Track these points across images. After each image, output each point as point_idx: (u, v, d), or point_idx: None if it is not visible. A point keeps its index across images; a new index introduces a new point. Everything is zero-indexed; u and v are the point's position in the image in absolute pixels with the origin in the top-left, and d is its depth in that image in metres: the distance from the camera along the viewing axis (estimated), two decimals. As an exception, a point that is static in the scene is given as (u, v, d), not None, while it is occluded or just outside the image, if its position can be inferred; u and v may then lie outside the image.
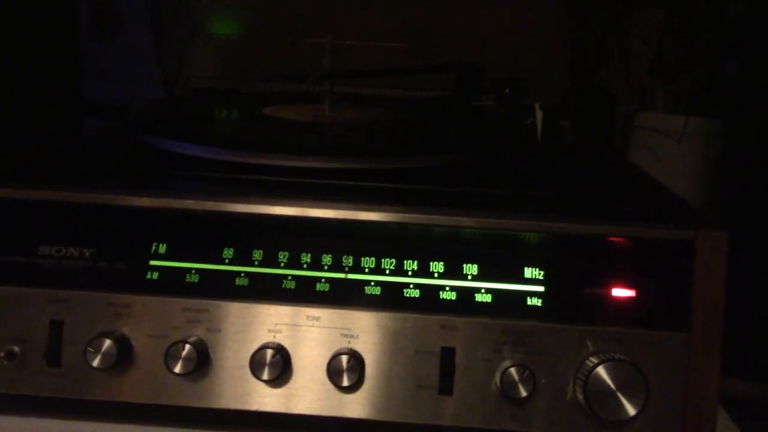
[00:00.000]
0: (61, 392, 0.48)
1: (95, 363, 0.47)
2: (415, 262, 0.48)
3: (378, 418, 0.47)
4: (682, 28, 0.80)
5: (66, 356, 0.48)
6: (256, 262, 0.48)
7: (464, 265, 0.48)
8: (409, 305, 0.48)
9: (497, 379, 0.46)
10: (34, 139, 0.79)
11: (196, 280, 0.48)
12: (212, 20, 0.94)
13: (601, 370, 0.45)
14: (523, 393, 0.46)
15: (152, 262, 0.49)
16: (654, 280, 0.47)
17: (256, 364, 0.47)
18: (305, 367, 0.47)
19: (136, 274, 0.48)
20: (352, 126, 0.71)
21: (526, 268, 0.48)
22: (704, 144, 0.78)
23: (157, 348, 0.47)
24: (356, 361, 0.47)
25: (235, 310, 0.48)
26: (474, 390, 0.47)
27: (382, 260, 0.48)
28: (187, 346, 0.47)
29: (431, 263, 0.48)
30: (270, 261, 0.48)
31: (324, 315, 0.48)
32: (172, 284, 0.48)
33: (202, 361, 0.47)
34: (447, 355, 0.47)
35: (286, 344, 0.47)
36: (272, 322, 0.48)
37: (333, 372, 0.47)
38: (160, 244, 0.49)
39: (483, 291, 0.48)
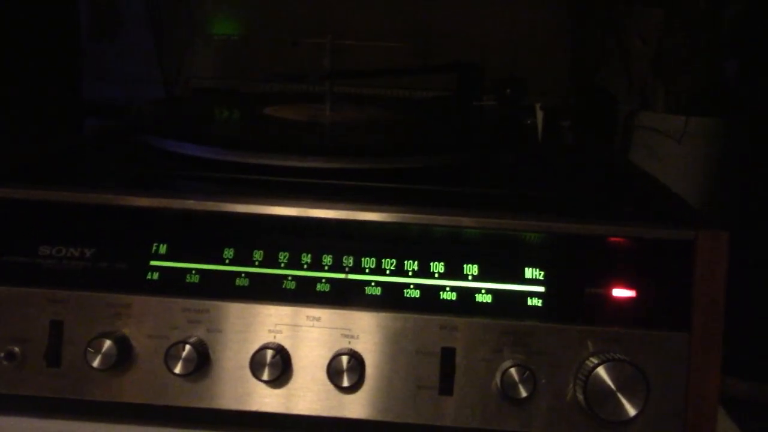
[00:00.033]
0: (61, 392, 0.48)
1: (95, 363, 0.47)
2: (416, 263, 0.48)
3: (378, 418, 0.47)
4: (682, 28, 0.80)
5: (66, 356, 0.48)
6: (257, 263, 0.48)
7: (464, 266, 0.48)
8: (410, 305, 0.48)
9: (497, 379, 0.46)
10: (34, 139, 0.79)
11: (196, 281, 0.48)
12: (212, 20, 0.94)
13: (601, 371, 0.45)
14: (524, 393, 0.46)
15: (152, 263, 0.49)
16: (654, 280, 0.47)
17: (256, 365, 0.47)
18: (305, 367, 0.47)
19: (137, 274, 0.48)
20: (352, 126, 0.71)
21: (526, 269, 0.48)
22: (704, 144, 0.78)
23: (158, 348, 0.47)
24: (356, 361, 0.47)
25: (235, 311, 0.48)
26: (474, 390, 0.47)
27: (383, 260, 0.48)
28: (188, 347, 0.47)
29: (431, 263, 0.48)
30: (270, 261, 0.48)
31: (324, 315, 0.48)
32: (173, 284, 0.48)
33: (203, 362, 0.47)
34: (447, 356, 0.47)
35: (287, 345, 0.47)
36: (272, 323, 0.48)
37: (333, 372, 0.47)
38: (161, 245, 0.49)
39: (483, 291, 0.48)
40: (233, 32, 0.93)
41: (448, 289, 0.48)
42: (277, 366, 0.47)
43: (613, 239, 0.48)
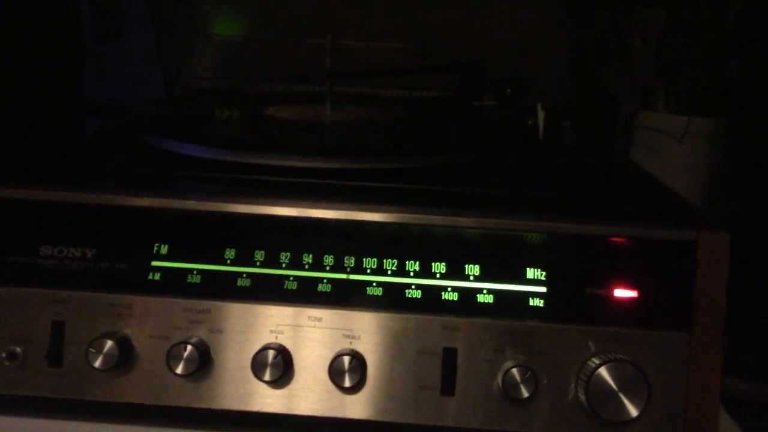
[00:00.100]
0: (62, 393, 0.48)
1: (97, 364, 0.47)
2: (417, 263, 0.48)
3: (380, 418, 0.47)
4: (682, 27, 0.80)
5: (67, 357, 0.48)
6: (258, 263, 0.48)
7: (466, 266, 0.48)
8: (411, 306, 0.48)
9: (499, 379, 0.46)
10: (35, 139, 0.79)
11: (197, 281, 0.48)
12: (213, 21, 0.94)
13: (603, 371, 0.45)
14: (525, 394, 0.46)
15: (154, 263, 0.49)
16: (656, 281, 0.47)
17: (257, 365, 0.47)
18: (307, 367, 0.47)
19: (138, 274, 0.48)
20: (353, 126, 0.71)
21: (528, 269, 0.48)
22: (706, 144, 0.78)
23: (159, 349, 0.47)
24: (358, 361, 0.47)
25: (236, 311, 0.48)
26: (476, 391, 0.47)
27: (384, 261, 0.48)
28: (189, 347, 0.47)
29: (433, 264, 0.48)
30: (272, 261, 0.48)
31: (326, 316, 0.48)
32: (174, 285, 0.48)
33: (204, 362, 0.47)
34: (449, 356, 0.47)
35: (288, 345, 0.47)
36: (274, 323, 0.48)
37: (335, 373, 0.47)
38: (162, 245, 0.49)
39: (485, 291, 0.48)
40: (234, 32, 0.93)
41: (449, 289, 0.48)
42: (279, 366, 0.47)
43: (614, 239, 0.48)
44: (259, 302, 0.48)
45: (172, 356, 0.47)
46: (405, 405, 0.47)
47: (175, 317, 0.48)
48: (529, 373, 0.46)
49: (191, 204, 0.49)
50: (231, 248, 0.49)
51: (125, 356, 0.47)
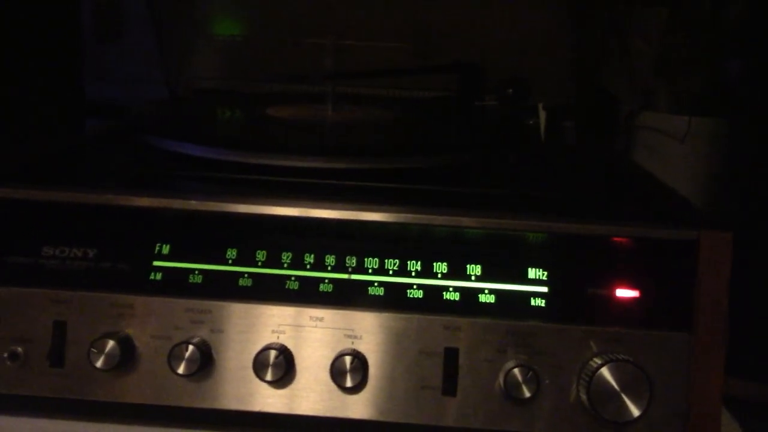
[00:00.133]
0: (64, 393, 0.48)
1: (98, 364, 0.47)
2: (419, 263, 0.48)
3: (381, 418, 0.47)
4: (684, 27, 0.80)
5: (69, 357, 0.48)
6: (260, 263, 0.48)
7: (467, 266, 0.48)
8: (413, 306, 0.48)
9: (501, 379, 0.46)
10: (35, 139, 0.79)
11: (199, 281, 0.48)
12: (214, 21, 0.94)
13: (604, 371, 0.45)
14: (527, 394, 0.46)
15: (155, 263, 0.49)
16: (657, 281, 0.47)
17: (259, 365, 0.47)
18: (308, 367, 0.47)
19: (140, 274, 0.48)
20: (354, 126, 0.71)
21: (529, 269, 0.48)
22: (707, 144, 0.78)
23: (161, 349, 0.47)
24: (359, 361, 0.47)
25: (238, 311, 0.48)
26: (477, 391, 0.47)
27: (386, 261, 0.48)
28: (191, 347, 0.47)
29: (434, 264, 0.48)
30: (273, 261, 0.48)
31: (327, 316, 0.48)
32: (176, 285, 0.48)
33: (206, 362, 0.47)
34: (450, 356, 0.47)
35: (290, 345, 0.47)
36: (275, 323, 0.48)
37: (336, 373, 0.47)
38: (164, 245, 0.49)
39: (486, 291, 0.48)
40: (235, 32, 0.93)
41: (451, 289, 0.48)
42: (280, 366, 0.47)
43: (615, 239, 0.48)
44: (261, 302, 0.48)
45: (173, 356, 0.47)
46: (406, 405, 0.47)
47: (176, 317, 0.48)
48: (530, 373, 0.46)
49: (192, 204, 0.49)
50: (232, 248, 0.49)
51: (127, 356, 0.47)
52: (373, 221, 0.48)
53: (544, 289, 0.48)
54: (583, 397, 0.46)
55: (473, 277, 0.48)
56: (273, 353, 0.47)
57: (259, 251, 0.48)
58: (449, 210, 0.48)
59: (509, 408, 0.47)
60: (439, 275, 0.48)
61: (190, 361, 0.47)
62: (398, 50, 0.84)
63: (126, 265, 0.49)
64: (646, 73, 0.83)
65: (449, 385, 0.47)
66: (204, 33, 0.94)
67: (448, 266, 0.48)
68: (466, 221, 0.48)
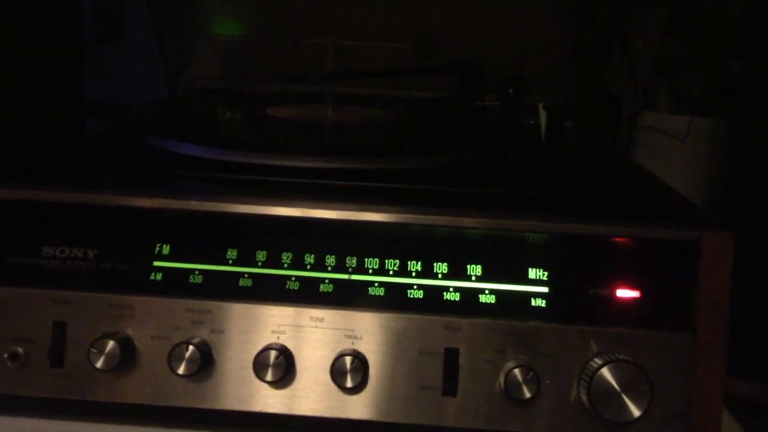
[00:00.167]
0: (64, 393, 0.48)
1: (98, 364, 0.47)
2: (419, 263, 0.48)
3: (381, 419, 0.47)
4: (685, 27, 0.80)
5: (69, 357, 0.48)
6: (260, 263, 0.48)
7: (468, 266, 0.48)
8: (413, 306, 0.48)
9: (501, 380, 0.46)
10: (35, 139, 0.79)
11: (199, 281, 0.48)
12: (214, 21, 0.94)
13: (605, 371, 0.45)
14: (527, 394, 0.46)
15: (156, 263, 0.49)
16: (658, 281, 0.47)
17: (259, 365, 0.47)
18: (309, 368, 0.47)
19: (140, 275, 0.48)
20: (354, 126, 0.71)
21: (529, 269, 0.48)
22: (708, 144, 0.78)
23: (161, 349, 0.47)
24: (360, 362, 0.47)
25: (238, 311, 0.48)
26: (478, 391, 0.47)
27: (386, 261, 0.48)
28: (191, 347, 0.47)
29: (435, 264, 0.48)
30: (273, 262, 0.48)
31: (327, 316, 0.48)
32: (176, 285, 0.48)
33: (206, 363, 0.47)
34: (451, 356, 0.47)
35: (290, 345, 0.47)
36: (276, 323, 0.48)
37: (336, 373, 0.47)
38: (164, 245, 0.49)
39: (487, 292, 0.48)
40: (235, 33, 0.93)
41: (451, 289, 0.48)
42: (281, 367, 0.47)
43: (616, 239, 0.48)
44: (261, 302, 0.48)
45: (173, 356, 0.47)
46: (407, 405, 0.47)
47: (176, 317, 0.48)
48: (531, 373, 0.46)
49: (193, 204, 0.49)
50: (233, 248, 0.49)
51: (127, 357, 0.47)
52: (374, 221, 0.48)
53: (545, 290, 0.48)
54: (584, 397, 0.46)
55: (473, 278, 0.48)
56: (273, 353, 0.47)
57: (259, 251, 0.48)
58: (450, 210, 0.48)
59: (509, 408, 0.47)
60: (440, 275, 0.48)
61: (190, 361, 0.47)
62: (398, 50, 0.84)
63: (126, 265, 0.49)
64: (647, 73, 0.83)
65: (449, 385, 0.47)
66: (204, 33, 0.94)
67: (449, 266, 0.48)
68: (466, 221, 0.48)
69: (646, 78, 0.83)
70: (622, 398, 0.45)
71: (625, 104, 0.85)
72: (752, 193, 0.68)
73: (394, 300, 0.48)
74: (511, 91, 0.73)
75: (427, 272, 0.48)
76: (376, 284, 0.48)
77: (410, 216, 0.48)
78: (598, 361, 0.46)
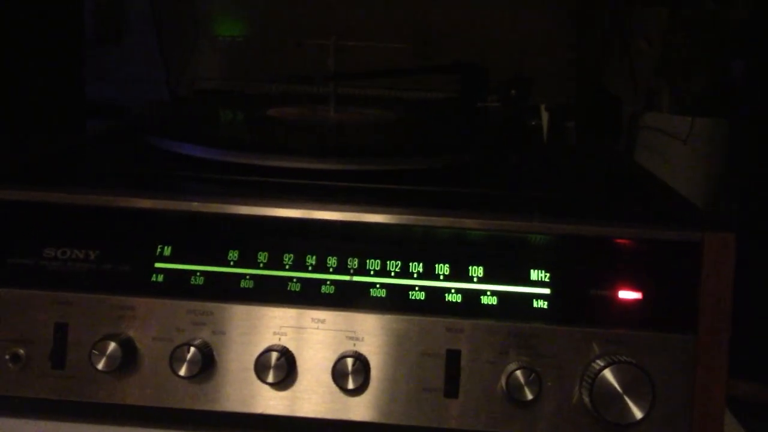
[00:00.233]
0: (65, 395, 0.48)
1: (100, 365, 0.47)
2: (421, 264, 0.48)
3: (383, 421, 0.47)
4: (686, 28, 0.79)
5: (70, 358, 0.48)
6: (261, 265, 0.48)
7: (470, 267, 0.48)
8: (415, 307, 0.47)
9: (503, 381, 0.46)
10: (36, 139, 0.79)
11: (201, 283, 0.48)
12: (215, 21, 0.94)
13: (607, 373, 0.45)
14: (529, 396, 0.46)
15: (157, 265, 0.48)
16: (660, 282, 0.47)
17: (260, 367, 0.47)
18: (310, 369, 0.47)
19: (141, 276, 0.48)
20: (356, 127, 0.70)
21: (531, 270, 0.48)
22: (709, 144, 0.78)
23: (162, 350, 0.47)
24: (361, 363, 0.47)
25: (240, 313, 0.48)
26: (480, 393, 0.47)
27: (388, 262, 0.48)
28: (192, 349, 0.47)
29: (437, 265, 0.48)
30: (275, 263, 0.48)
31: (329, 317, 0.47)
32: (177, 286, 0.48)
33: (207, 364, 0.47)
34: (452, 358, 0.47)
35: (291, 347, 0.47)
36: (277, 325, 0.48)
37: (338, 375, 0.47)
38: (165, 246, 0.49)
39: (489, 293, 0.48)
40: (236, 33, 0.93)
41: (453, 291, 0.48)
42: (282, 368, 0.47)
43: (618, 241, 0.48)
44: (263, 304, 0.48)
45: (175, 358, 0.47)
46: (408, 407, 0.47)
47: (178, 319, 0.48)
48: (533, 375, 0.46)
49: (195, 205, 0.49)
50: (234, 250, 0.48)
51: (128, 358, 0.47)
52: (375, 223, 0.48)
53: (547, 291, 0.48)
54: (586, 399, 0.46)
55: (475, 279, 0.48)
56: (275, 355, 0.46)
57: (260, 253, 0.48)
58: (451, 211, 0.48)
59: (511, 410, 0.47)
60: (441, 277, 0.48)
61: (191, 362, 0.47)
62: (399, 51, 0.84)
63: (127, 266, 0.49)
64: (648, 74, 0.83)
65: (451, 387, 0.47)
66: (205, 33, 0.94)
67: (450, 268, 0.48)
68: (468, 223, 0.48)
69: (647, 78, 0.83)
70: (625, 400, 0.45)
71: (625, 104, 0.85)
72: (753, 193, 0.68)
73: (396, 301, 0.48)
74: (513, 91, 0.73)
75: (429, 273, 0.48)
76: (377, 285, 0.48)
77: (412, 217, 0.48)
78: (600, 362, 0.46)
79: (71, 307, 0.48)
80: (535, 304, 0.47)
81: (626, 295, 0.47)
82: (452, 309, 0.47)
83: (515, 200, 0.53)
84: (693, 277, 0.47)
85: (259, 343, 0.47)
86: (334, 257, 0.48)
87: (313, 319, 0.48)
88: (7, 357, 0.48)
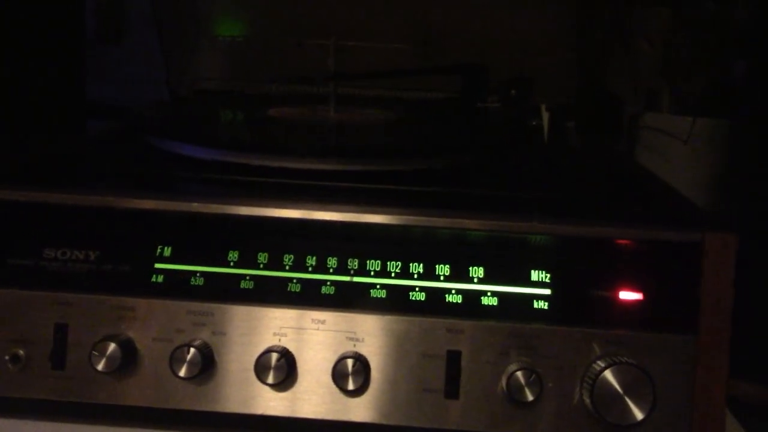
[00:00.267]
0: (65, 395, 0.48)
1: (100, 366, 0.47)
2: (421, 265, 0.48)
3: (383, 421, 0.47)
4: (686, 28, 0.79)
5: (71, 359, 0.48)
6: (261, 265, 0.48)
7: (470, 268, 0.48)
8: (415, 308, 0.47)
9: (503, 382, 0.46)
10: (36, 140, 0.79)
11: (201, 283, 0.48)
12: (216, 21, 0.94)
13: (608, 374, 0.45)
14: (530, 397, 0.46)
15: (157, 265, 0.48)
16: (661, 283, 0.47)
17: (261, 368, 0.47)
18: (310, 370, 0.47)
19: (141, 276, 0.48)
20: (357, 128, 0.70)
21: (532, 271, 0.48)
22: (711, 145, 0.78)
23: (162, 351, 0.47)
24: (361, 364, 0.47)
25: (240, 314, 0.48)
26: (480, 394, 0.47)
27: (388, 263, 0.48)
28: (192, 350, 0.47)
29: (437, 266, 0.48)
30: (275, 264, 0.48)
31: (329, 318, 0.47)
32: (177, 287, 0.48)
33: (207, 365, 0.47)
34: (453, 359, 0.47)
35: (291, 348, 0.47)
36: (277, 326, 0.47)
37: (338, 375, 0.46)
38: (165, 247, 0.49)
39: (489, 294, 0.48)
40: (237, 33, 0.93)
41: (453, 291, 0.48)
42: (282, 369, 0.46)
43: (619, 241, 0.48)
44: (263, 305, 0.48)
45: (175, 359, 0.47)
46: (409, 408, 0.47)
47: (178, 320, 0.48)
48: (533, 376, 0.46)
49: (194, 206, 0.48)
50: (234, 250, 0.48)
51: (128, 359, 0.47)
52: (376, 223, 0.48)
53: (547, 292, 0.47)
54: (587, 400, 0.46)
55: (476, 280, 0.48)
56: (275, 356, 0.46)
57: (260, 253, 0.48)
58: (452, 212, 0.48)
59: (512, 411, 0.46)
60: (442, 277, 0.48)
61: (191, 363, 0.47)
62: (400, 51, 0.84)
63: (127, 267, 0.48)
64: (649, 74, 0.83)
65: (451, 388, 0.47)
66: (206, 33, 0.94)
67: (451, 268, 0.48)
68: (468, 223, 0.48)
69: (648, 78, 0.83)
70: (625, 401, 0.45)
71: (626, 104, 0.85)
72: (754, 193, 0.68)
73: (396, 302, 0.47)
74: (513, 92, 0.73)
75: (429, 274, 0.48)
76: (378, 286, 0.48)
77: (412, 218, 0.48)
78: (600, 363, 0.45)
79: (71, 308, 0.48)
80: (535, 305, 0.47)
81: (627, 295, 0.47)
82: (453, 310, 0.47)
83: (516, 201, 0.53)
84: (694, 277, 0.47)
85: (259, 343, 0.47)
86: (335, 258, 0.48)
87: (313, 320, 0.47)
88: (6, 358, 0.48)
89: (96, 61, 0.96)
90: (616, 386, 0.45)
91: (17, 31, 0.81)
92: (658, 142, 0.80)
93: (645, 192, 0.60)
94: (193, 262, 0.48)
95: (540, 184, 0.59)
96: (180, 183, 0.55)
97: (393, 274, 0.48)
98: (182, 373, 0.47)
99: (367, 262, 0.48)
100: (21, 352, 0.48)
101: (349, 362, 0.46)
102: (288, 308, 0.48)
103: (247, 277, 0.48)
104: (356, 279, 0.48)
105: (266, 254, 0.48)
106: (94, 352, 0.47)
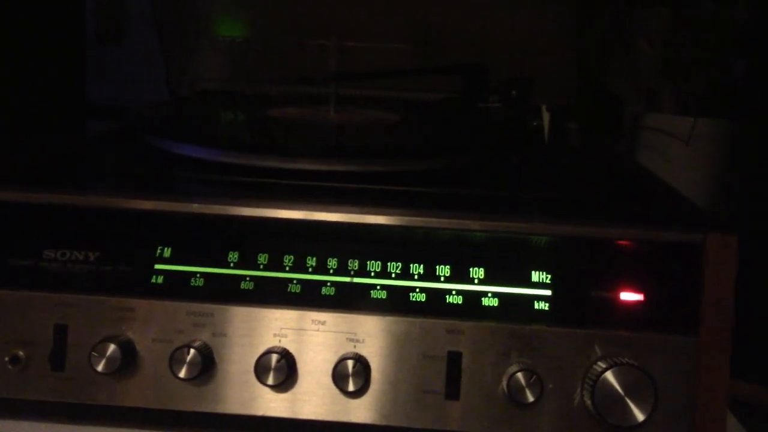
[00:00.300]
0: (65, 396, 0.48)
1: (100, 367, 0.47)
2: (422, 266, 0.48)
3: (384, 423, 0.47)
4: (686, 28, 0.79)
5: (70, 360, 0.48)
6: (262, 266, 0.48)
7: (471, 269, 0.48)
8: (416, 309, 0.47)
9: (504, 383, 0.46)
10: (36, 140, 0.78)
11: (201, 284, 0.48)
12: (216, 22, 0.94)
13: (609, 375, 0.45)
14: (530, 398, 0.46)
15: (157, 266, 0.48)
16: (662, 284, 0.47)
17: (261, 369, 0.46)
18: (311, 371, 0.47)
19: (141, 277, 0.48)
20: (357, 128, 0.70)
21: (533, 272, 0.48)
22: (711, 145, 0.78)
23: (162, 352, 0.47)
24: (362, 365, 0.46)
25: (240, 314, 0.48)
26: (480, 395, 0.47)
27: (388, 264, 0.48)
28: (192, 351, 0.46)
29: (437, 267, 0.48)
30: (275, 265, 0.48)
31: (329, 319, 0.47)
32: (177, 288, 0.48)
33: (207, 366, 0.47)
34: (453, 360, 0.47)
35: (292, 349, 0.47)
36: (277, 327, 0.47)
37: (338, 376, 0.46)
38: (165, 248, 0.49)
39: (490, 295, 0.47)
40: (237, 34, 0.93)
41: (454, 292, 0.48)
42: (282, 370, 0.46)
43: (620, 242, 0.47)
44: (263, 306, 0.48)
45: (175, 360, 0.47)
46: (409, 409, 0.47)
47: (178, 321, 0.48)
48: (534, 377, 0.46)
49: (194, 206, 0.48)
50: (234, 251, 0.48)
51: (128, 360, 0.47)
52: (376, 224, 0.48)
53: (548, 293, 0.47)
54: (588, 401, 0.45)
55: (476, 280, 0.48)
56: (275, 357, 0.46)
57: (261, 254, 0.48)
58: (452, 212, 0.48)
59: (512, 412, 0.46)
60: (442, 278, 0.48)
61: (191, 364, 0.46)
62: (400, 51, 0.84)
63: (127, 268, 0.48)
64: (649, 74, 0.83)
65: (452, 389, 0.47)
66: (206, 34, 0.94)
67: (451, 269, 0.48)
68: (469, 224, 0.48)
69: (648, 78, 0.83)
70: (626, 402, 0.45)
71: (626, 105, 0.85)
72: (755, 193, 0.68)
73: (397, 303, 0.47)
74: (514, 92, 0.72)
75: (430, 275, 0.48)
76: (378, 287, 0.48)
77: (413, 218, 0.48)
78: (601, 364, 0.45)
79: (71, 309, 0.48)
80: (536, 306, 0.47)
81: (628, 296, 0.47)
82: (453, 310, 0.47)
83: (516, 201, 0.53)
84: (695, 278, 0.47)
85: (259, 344, 0.47)
86: (335, 258, 0.48)
87: (313, 321, 0.47)
88: (6, 359, 0.48)
89: (96, 61, 0.96)
90: (617, 387, 0.45)
91: (17, 31, 0.81)
92: (659, 142, 0.80)
93: (646, 192, 0.60)
94: (193, 262, 0.48)
95: (541, 184, 0.59)
96: (180, 183, 0.54)
97: (393, 275, 0.48)
98: (182, 374, 0.46)
99: (368, 262, 0.48)
100: (21, 353, 0.48)
101: (350, 363, 0.46)
102: (288, 309, 0.47)
103: (248, 278, 0.48)
104: (356, 280, 0.48)
105: (266, 255, 0.48)
106: (93, 353, 0.47)
